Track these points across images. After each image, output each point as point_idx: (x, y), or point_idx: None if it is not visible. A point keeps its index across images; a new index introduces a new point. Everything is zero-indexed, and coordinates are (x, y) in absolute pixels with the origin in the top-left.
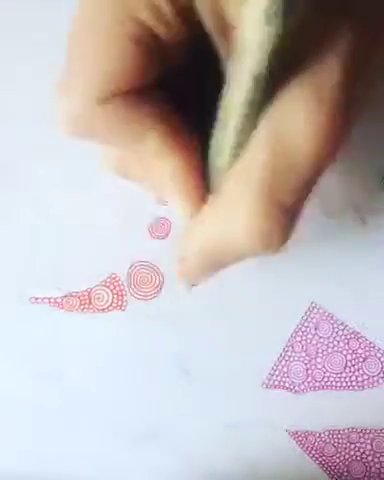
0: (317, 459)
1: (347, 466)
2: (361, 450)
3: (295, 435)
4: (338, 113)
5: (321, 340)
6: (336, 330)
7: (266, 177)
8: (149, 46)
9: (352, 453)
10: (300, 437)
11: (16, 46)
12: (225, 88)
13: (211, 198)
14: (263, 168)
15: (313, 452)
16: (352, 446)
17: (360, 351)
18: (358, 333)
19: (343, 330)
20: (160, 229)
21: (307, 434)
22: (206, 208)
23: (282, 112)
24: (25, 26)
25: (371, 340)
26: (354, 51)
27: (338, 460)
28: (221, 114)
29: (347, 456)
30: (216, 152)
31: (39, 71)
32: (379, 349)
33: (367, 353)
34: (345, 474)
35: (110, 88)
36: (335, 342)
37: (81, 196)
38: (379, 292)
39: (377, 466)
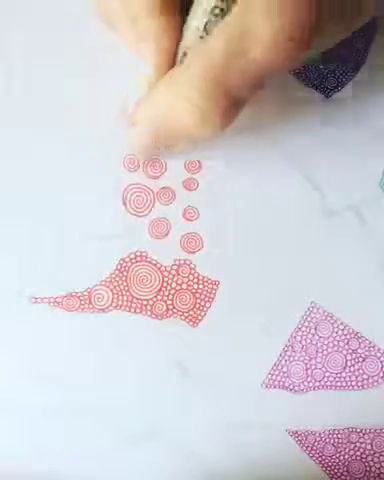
0: (317, 459)
1: (347, 466)
2: (361, 450)
3: (295, 435)
4: (294, 20)
5: (321, 340)
6: (336, 330)
7: (217, 62)
8: None
9: (352, 453)
10: (300, 437)
11: None
12: None
13: (170, 71)
14: (216, 53)
15: (313, 452)
16: (352, 446)
17: (360, 351)
18: (358, 333)
19: (343, 330)
20: (160, 229)
21: (307, 434)
22: (163, 78)
23: (249, 9)
24: None
25: (371, 340)
26: None
27: (338, 460)
28: None
29: (347, 456)
30: (190, 22)
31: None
32: (379, 349)
33: (367, 353)
34: (345, 474)
35: None
36: (335, 342)
37: (81, 196)
38: (379, 292)
39: (377, 466)
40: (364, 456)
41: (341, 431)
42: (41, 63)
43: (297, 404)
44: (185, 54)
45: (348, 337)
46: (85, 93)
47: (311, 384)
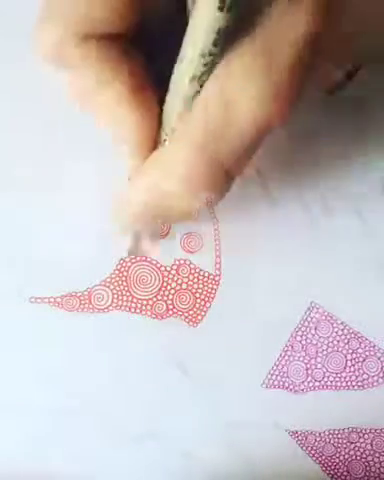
0: (317, 459)
1: (347, 466)
2: (361, 450)
3: (295, 435)
4: (285, 82)
5: (321, 340)
6: (336, 330)
7: (207, 133)
8: None
9: (352, 453)
10: (300, 437)
11: None
12: (183, 44)
13: (156, 150)
14: (205, 123)
15: (313, 452)
16: (352, 446)
17: (360, 351)
18: (358, 333)
19: (343, 330)
20: (160, 229)
21: (307, 434)
22: (150, 159)
23: (229, 70)
24: None
25: (371, 340)
26: (310, 33)
27: (338, 460)
28: (176, 69)
29: (347, 456)
30: (170, 105)
31: None
32: (379, 349)
33: (367, 353)
34: (345, 474)
35: (91, 28)
36: (335, 342)
37: (81, 196)
38: (379, 292)
39: (377, 466)
40: (364, 456)
41: (341, 431)
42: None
43: (297, 404)
44: (167, 135)
45: (348, 337)
46: None
47: (311, 384)
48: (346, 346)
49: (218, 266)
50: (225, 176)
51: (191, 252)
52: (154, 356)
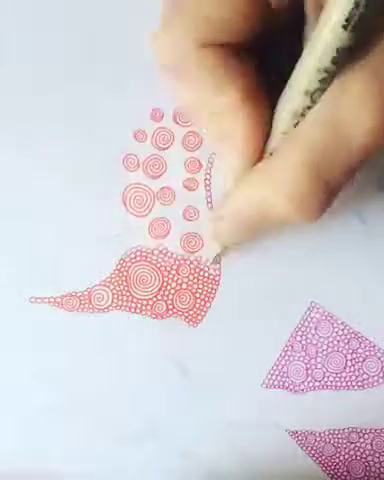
0: (317, 459)
1: (347, 466)
2: (361, 450)
3: (295, 435)
4: None
5: (321, 340)
6: (336, 330)
7: (317, 153)
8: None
9: (352, 453)
10: (300, 437)
11: None
12: (302, 55)
13: (262, 162)
14: (316, 143)
15: (313, 452)
16: (352, 446)
17: (360, 351)
18: (358, 333)
19: (343, 330)
20: (160, 229)
21: (307, 434)
22: (255, 170)
23: (343, 91)
24: None
25: (371, 340)
26: None
27: (338, 460)
28: (291, 79)
29: (347, 456)
30: (279, 117)
31: None
32: (379, 349)
33: (367, 353)
34: (345, 474)
35: (212, 34)
36: (335, 342)
37: (81, 196)
38: (379, 292)
39: (377, 466)
40: (364, 456)
41: (341, 431)
42: (42, 62)
43: (297, 404)
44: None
45: (348, 337)
46: (86, 92)
47: (311, 384)
48: (346, 346)
49: (218, 266)
50: (329, 196)
51: (191, 252)
52: (154, 356)
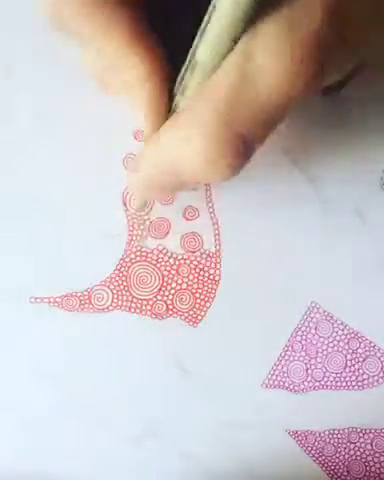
0: (317, 459)
1: (347, 466)
2: (361, 450)
3: (295, 435)
4: (309, 54)
5: (321, 340)
6: (336, 330)
7: (229, 104)
8: None
9: (352, 453)
10: (300, 437)
11: None
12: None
13: (173, 115)
14: (228, 94)
15: (313, 452)
16: (352, 446)
17: (360, 351)
18: (358, 333)
19: (343, 330)
20: (159, 229)
21: (307, 434)
22: (167, 124)
23: (253, 42)
24: None
25: (371, 340)
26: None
27: (338, 460)
28: (200, 32)
29: (347, 456)
30: (187, 69)
31: None
32: (379, 349)
33: (367, 353)
34: (345, 474)
35: None
36: (335, 342)
37: (81, 196)
38: (379, 292)
39: (377, 466)
40: (364, 456)
41: (341, 431)
42: (43, 62)
43: (297, 404)
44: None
45: (348, 337)
46: (86, 92)
47: (311, 384)
48: (346, 346)
49: (218, 266)
50: (243, 145)
51: (191, 252)
52: (154, 356)
